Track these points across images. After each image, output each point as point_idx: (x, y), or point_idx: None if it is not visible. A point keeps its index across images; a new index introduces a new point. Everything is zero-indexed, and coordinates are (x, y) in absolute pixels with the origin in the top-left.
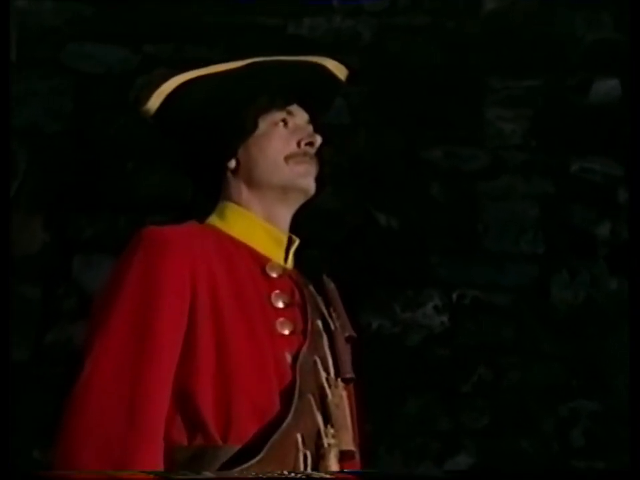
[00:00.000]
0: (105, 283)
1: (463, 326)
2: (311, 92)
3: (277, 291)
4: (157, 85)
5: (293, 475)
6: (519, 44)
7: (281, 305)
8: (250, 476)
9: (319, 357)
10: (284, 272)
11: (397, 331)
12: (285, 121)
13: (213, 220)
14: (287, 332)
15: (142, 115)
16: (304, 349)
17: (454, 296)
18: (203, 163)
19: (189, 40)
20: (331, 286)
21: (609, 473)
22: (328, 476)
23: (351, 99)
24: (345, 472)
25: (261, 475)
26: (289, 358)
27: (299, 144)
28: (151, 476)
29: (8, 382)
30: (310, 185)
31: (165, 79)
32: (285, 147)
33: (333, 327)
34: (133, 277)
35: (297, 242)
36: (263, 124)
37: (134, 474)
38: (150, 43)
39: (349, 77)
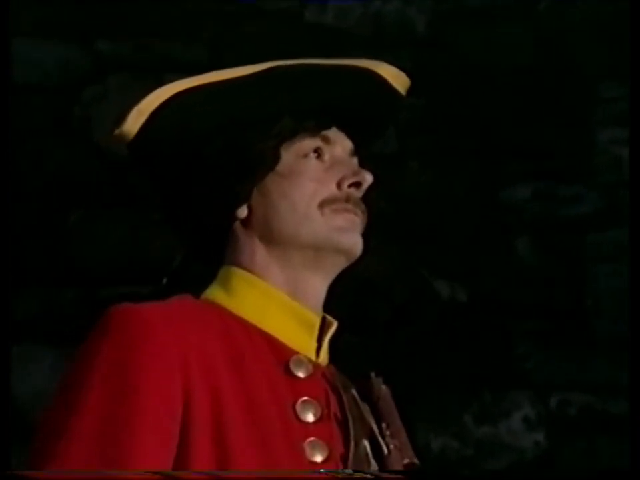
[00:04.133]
0: (58, 386)
1: (567, 447)
2: (358, 111)
3: (305, 398)
4: (135, 101)
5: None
6: None
7: (310, 418)
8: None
9: None
10: (315, 369)
11: (470, 454)
12: (318, 152)
13: (214, 293)
14: (319, 458)
15: (114, 142)
16: None
17: (553, 402)
18: (200, 211)
19: (159, 34)
20: (383, 389)
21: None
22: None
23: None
24: None
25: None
26: None
27: (339, 185)
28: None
29: None
30: (354, 243)
31: (146, 91)
32: (319, 188)
33: (385, 450)
34: (100, 374)
35: (334, 325)
36: (288, 156)
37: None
38: (106, 37)
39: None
